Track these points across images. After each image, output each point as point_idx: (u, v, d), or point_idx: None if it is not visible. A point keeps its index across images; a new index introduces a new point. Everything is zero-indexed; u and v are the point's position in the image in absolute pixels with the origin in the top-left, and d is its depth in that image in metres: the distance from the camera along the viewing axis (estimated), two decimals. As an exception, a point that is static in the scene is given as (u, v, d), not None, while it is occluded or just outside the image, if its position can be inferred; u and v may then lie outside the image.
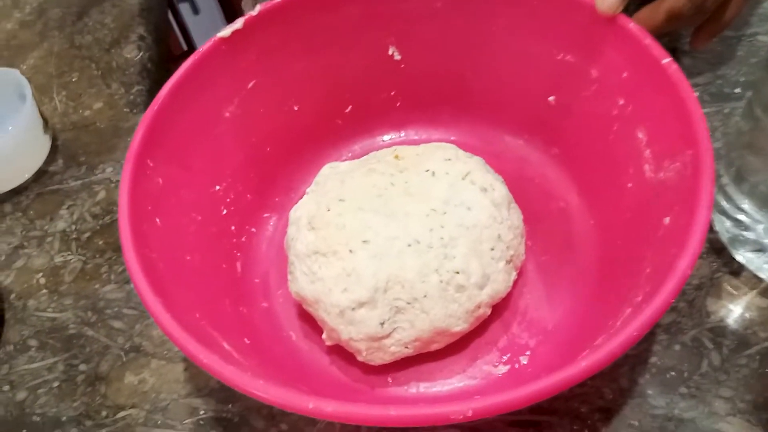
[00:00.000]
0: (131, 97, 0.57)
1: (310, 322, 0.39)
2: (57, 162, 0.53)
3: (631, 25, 0.36)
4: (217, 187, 0.41)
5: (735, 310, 0.38)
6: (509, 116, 0.45)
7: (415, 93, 0.47)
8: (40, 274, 0.46)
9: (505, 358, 0.37)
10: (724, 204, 0.39)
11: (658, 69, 0.34)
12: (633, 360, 0.37)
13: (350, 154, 0.48)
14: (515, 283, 0.39)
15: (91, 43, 0.62)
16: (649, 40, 0.35)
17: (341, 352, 0.38)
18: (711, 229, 0.40)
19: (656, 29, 0.36)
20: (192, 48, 1.06)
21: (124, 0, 0.65)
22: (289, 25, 0.43)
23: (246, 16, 0.41)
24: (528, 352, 0.37)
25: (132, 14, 0.64)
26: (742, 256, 0.39)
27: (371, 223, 0.37)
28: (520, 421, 0.35)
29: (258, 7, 0.41)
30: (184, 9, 1.07)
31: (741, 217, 0.38)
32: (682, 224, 0.30)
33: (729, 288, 0.39)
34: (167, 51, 0.68)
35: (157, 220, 0.35)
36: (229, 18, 1.25)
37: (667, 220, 0.32)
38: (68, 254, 0.47)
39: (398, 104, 0.48)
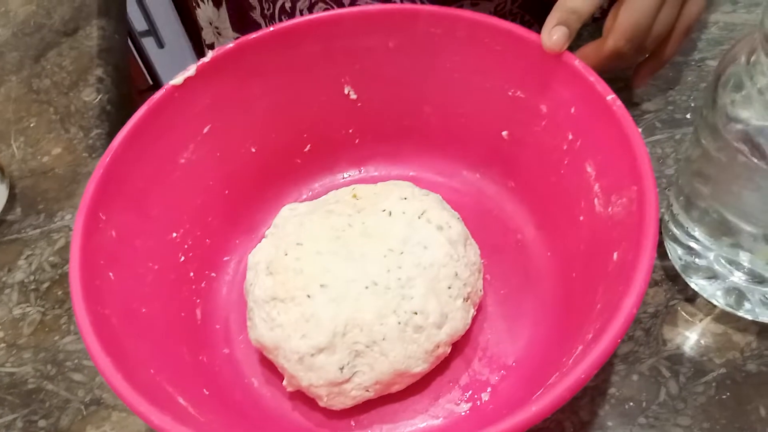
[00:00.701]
0: (90, 141, 0.56)
1: (271, 367, 0.39)
2: (15, 210, 0.52)
3: (576, 62, 0.37)
4: (174, 234, 0.41)
5: (691, 337, 0.38)
6: (466, 151, 0.46)
7: (373, 130, 0.47)
8: (-1, 327, 0.46)
9: (467, 395, 0.37)
10: (676, 231, 0.40)
11: (603, 105, 0.35)
12: (592, 391, 0.37)
13: (310, 193, 0.48)
14: (475, 318, 0.39)
15: (49, 87, 0.61)
16: (593, 77, 0.36)
17: (303, 398, 0.38)
18: (665, 256, 0.41)
19: (598, 68, 0.37)
20: (157, 82, 1.05)
21: (82, 42, 0.65)
22: (242, 69, 0.43)
23: (198, 63, 0.41)
24: (489, 389, 0.37)
25: (90, 56, 0.64)
26: (695, 283, 0.39)
27: (329, 266, 0.37)
28: (483, 460, 0.35)
29: (210, 54, 0.42)
30: (148, 43, 1.07)
31: (692, 244, 0.39)
32: (628, 260, 0.30)
33: (684, 315, 0.39)
34: (129, 90, 0.68)
35: (111, 274, 0.35)
36: (198, 47, 1.25)
37: (615, 255, 0.32)
38: (27, 306, 0.46)
39: (357, 141, 0.48)
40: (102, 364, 0.29)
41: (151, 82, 1.06)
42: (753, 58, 0.31)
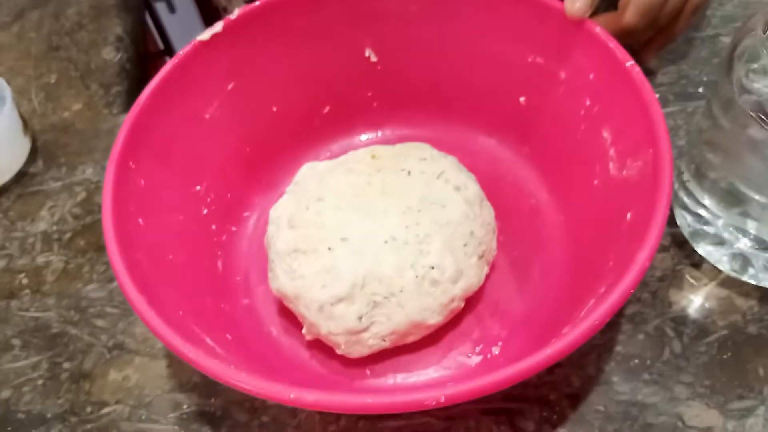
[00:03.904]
0: (110, 98, 0.57)
1: (289, 317, 0.40)
2: (37, 163, 0.53)
3: (598, 29, 0.38)
4: (198, 188, 0.42)
5: (695, 301, 0.40)
6: (482, 116, 0.47)
7: (392, 94, 0.48)
8: (23, 274, 0.47)
9: (478, 349, 0.39)
10: (686, 199, 0.41)
11: (622, 71, 0.36)
12: (599, 349, 0.38)
13: (329, 154, 0.49)
14: (487, 276, 0.41)
15: (69, 45, 0.62)
16: (613, 44, 0.37)
17: (321, 347, 0.39)
18: (673, 224, 0.42)
19: None
20: (169, 47, 1.06)
21: (101, 1, 0.66)
22: (267, 29, 0.44)
23: (225, 20, 0.42)
24: (500, 343, 0.39)
25: (109, 15, 0.64)
26: (702, 249, 0.41)
27: (349, 221, 0.39)
28: (492, 409, 0.37)
29: (237, 11, 0.42)
30: (161, 8, 1.07)
31: (701, 212, 0.40)
32: (642, 220, 0.31)
33: (690, 279, 0.41)
34: (144, 50, 0.68)
35: (140, 220, 0.36)
36: (205, 15, 1.25)
37: (629, 215, 0.34)
38: (50, 254, 0.48)
39: (375, 104, 0.49)
40: (136, 300, 0.31)
41: (162, 47, 1.06)
42: (771, 28, 0.32)
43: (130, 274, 0.32)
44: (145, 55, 0.70)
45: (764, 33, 0.33)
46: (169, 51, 1.07)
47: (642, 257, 0.29)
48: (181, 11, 1.19)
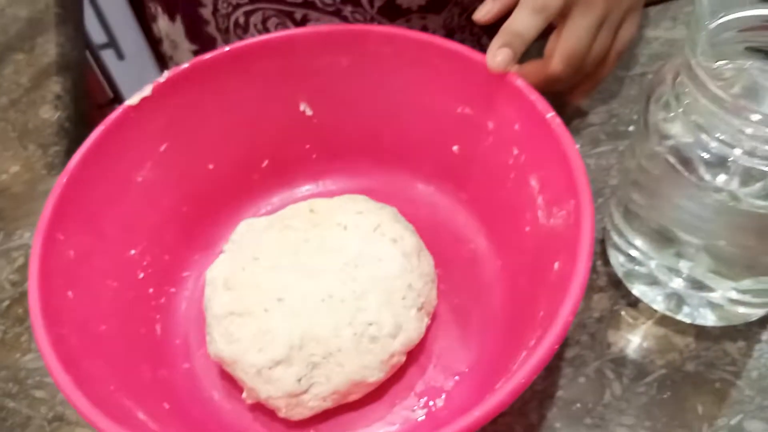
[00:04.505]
0: (48, 158, 0.56)
1: (231, 381, 0.40)
2: (-28, 229, 0.52)
3: (519, 81, 0.39)
4: (133, 251, 0.42)
5: (633, 341, 0.40)
6: (419, 165, 0.47)
7: (329, 145, 0.48)
8: (-43, 347, 0.45)
9: (422, 402, 0.39)
10: (617, 240, 0.42)
11: (543, 122, 0.37)
12: (540, 395, 0.39)
13: (269, 207, 0.49)
14: (429, 327, 0.41)
15: (6, 105, 0.61)
16: (534, 96, 0.38)
17: (263, 409, 0.39)
18: (609, 264, 0.43)
19: (537, 87, 0.39)
20: (118, 95, 1.05)
21: (38, 58, 0.65)
22: (199, 87, 0.44)
23: (154, 83, 0.42)
24: (443, 395, 0.39)
25: (47, 72, 0.64)
26: (637, 289, 0.41)
27: (286, 280, 0.39)
28: (437, 464, 0.37)
29: (165, 74, 0.43)
30: (107, 56, 1.06)
31: (633, 253, 0.41)
32: (566, 271, 0.32)
33: (628, 319, 0.41)
34: (88, 106, 0.68)
35: (69, 293, 0.36)
36: (159, 57, 1.25)
37: (556, 265, 0.34)
38: (-14, 325, 0.46)
39: (314, 156, 0.49)
40: (62, 382, 0.30)
41: (111, 96, 1.06)
42: (678, 80, 0.33)
43: (57, 353, 0.31)
44: (89, 109, 0.69)
45: (673, 84, 0.34)
46: (120, 100, 1.06)
47: (565, 312, 0.29)
48: (132, 57, 1.19)
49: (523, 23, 0.40)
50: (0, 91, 0.63)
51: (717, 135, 0.31)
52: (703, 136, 0.32)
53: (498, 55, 0.39)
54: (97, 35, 1.09)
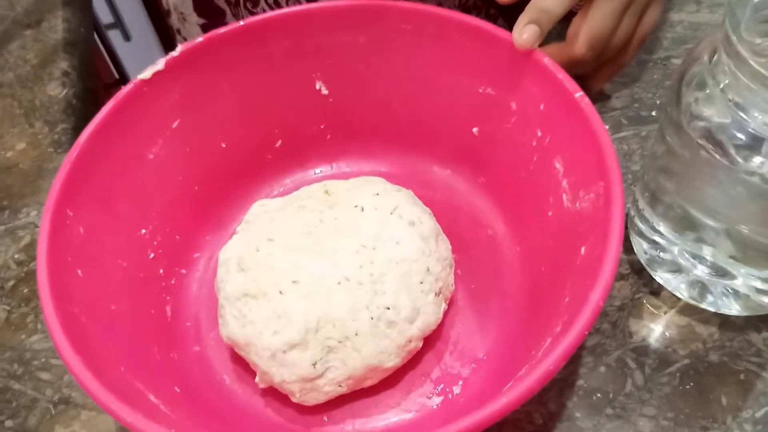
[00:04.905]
0: (55, 135, 0.55)
1: (243, 364, 0.39)
2: (-22, 207, 0.51)
3: (546, 60, 0.37)
4: (143, 231, 0.41)
5: (656, 330, 0.39)
6: (437, 147, 0.46)
7: (345, 126, 0.47)
8: (-38, 326, 0.45)
9: (438, 389, 0.38)
10: (641, 226, 0.41)
11: (571, 103, 0.36)
12: (561, 384, 0.38)
13: (282, 189, 0.48)
14: (446, 313, 0.40)
15: (13, 81, 0.60)
16: (562, 75, 0.37)
17: (276, 394, 0.38)
18: (631, 251, 0.42)
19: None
20: (123, 76, 1.04)
21: (46, 34, 0.64)
22: (212, 63, 0.43)
23: (167, 57, 0.41)
24: (460, 382, 0.38)
25: (55, 49, 0.63)
26: (660, 276, 0.40)
27: (301, 262, 0.37)
28: (454, 453, 0.36)
29: (179, 48, 0.41)
30: (114, 36, 1.05)
31: (657, 239, 0.40)
32: (595, 255, 0.31)
33: (650, 308, 0.40)
34: (95, 84, 0.66)
35: (79, 271, 0.34)
36: (163, 39, 1.23)
37: (583, 249, 0.33)
38: (-9, 304, 0.45)
39: (328, 137, 0.48)
40: (72, 362, 0.29)
41: (117, 76, 1.04)
42: (715, 58, 0.32)
43: (66, 333, 0.30)
44: (96, 87, 0.68)
45: (710, 62, 0.32)
46: (125, 81, 1.05)
47: (596, 296, 0.28)
48: (138, 38, 1.17)
49: (552, 0, 0.38)
50: (6, 66, 0.61)
51: (756, 114, 0.30)
52: (741, 115, 0.31)
53: (525, 32, 0.37)
54: (104, 15, 1.08)
